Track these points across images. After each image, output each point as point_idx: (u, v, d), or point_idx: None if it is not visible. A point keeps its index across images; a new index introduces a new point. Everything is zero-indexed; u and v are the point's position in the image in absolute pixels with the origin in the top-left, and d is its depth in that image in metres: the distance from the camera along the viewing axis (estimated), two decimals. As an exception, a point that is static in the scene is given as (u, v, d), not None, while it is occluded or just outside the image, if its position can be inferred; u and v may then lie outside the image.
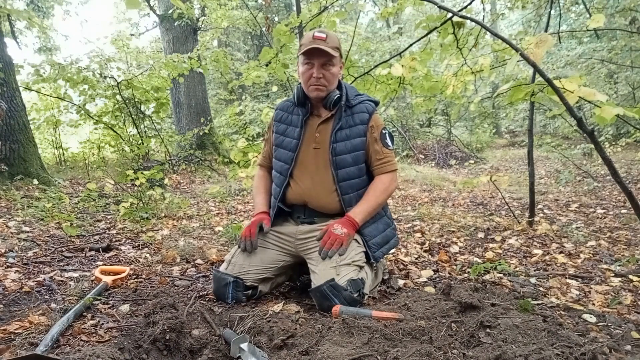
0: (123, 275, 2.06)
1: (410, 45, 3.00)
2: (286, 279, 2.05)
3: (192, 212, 3.88)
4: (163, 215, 3.64)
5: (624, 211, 3.80)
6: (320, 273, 1.75)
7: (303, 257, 1.90)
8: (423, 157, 9.93)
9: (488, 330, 1.35)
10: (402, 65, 2.67)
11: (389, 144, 1.89)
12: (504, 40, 2.22)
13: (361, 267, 1.81)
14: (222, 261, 2.02)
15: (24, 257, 2.36)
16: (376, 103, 1.98)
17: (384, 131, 1.88)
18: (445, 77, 3.08)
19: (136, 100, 6.16)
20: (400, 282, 2.04)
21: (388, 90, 3.03)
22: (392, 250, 2.00)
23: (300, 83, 1.90)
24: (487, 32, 2.57)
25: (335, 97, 1.83)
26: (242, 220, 3.55)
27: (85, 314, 1.63)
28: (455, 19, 2.44)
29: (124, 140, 6.28)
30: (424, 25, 2.61)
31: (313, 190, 1.87)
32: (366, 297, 1.80)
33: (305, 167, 1.88)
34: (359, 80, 2.93)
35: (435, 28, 2.53)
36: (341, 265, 1.73)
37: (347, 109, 1.86)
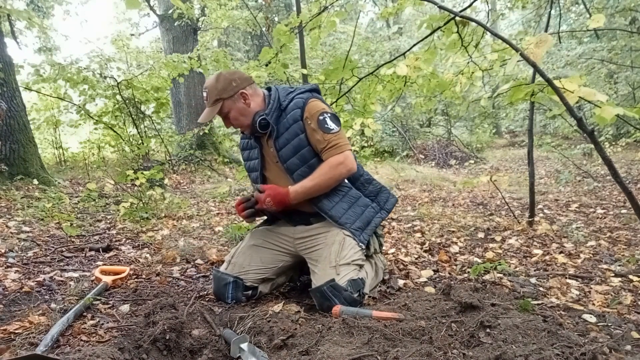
0: (123, 275, 2.06)
1: (414, 45, 2.99)
2: (287, 279, 2.05)
3: (192, 212, 3.88)
4: (163, 215, 3.64)
5: (624, 211, 3.79)
6: (320, 273, 1.75)
7: (303, 256, 1.90)
8: (423, 157, 9.93)
9: (488, 330, 1.35)
10: (407, 65, 2.67)
11: (331, 127, 1.76)
12: (504, 40, 2.22)
13: (361, 266, 1.81)
14: (222, 261, 2.02)
15: (24, 257, 2.36)
16: (312, 90, 1.89)
17: (321, 117, 1.76)
18: (452, 75, 3.08)
19: (136, 100, 6.15)
20: (400, 282, 2.04)
21: (393, 90, 3.03)
22: (380, 232, 1.96)
23: None
24: (487, 32, 2.57)
25: (258, 122, 1.79)
26: (242, 221, 3.55)
27: (85, 314, 1.63)
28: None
29: (124, 140, 6.28)
30: (427, 25, 2.60)
31: None
32: (366, 296, 1.79)
33: (278, 182, 1.87)
34: (363, 80, 2.93)
35: (439, 27, 2.53)
36: (341, 265, 1.72)
37: (282, 112, 1.82)
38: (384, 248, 2.63)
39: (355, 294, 1.69)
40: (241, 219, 2.00)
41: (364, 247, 1.83)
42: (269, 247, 1.93)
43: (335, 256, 1.74)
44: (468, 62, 2.84)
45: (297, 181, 1.79)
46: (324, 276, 1.72)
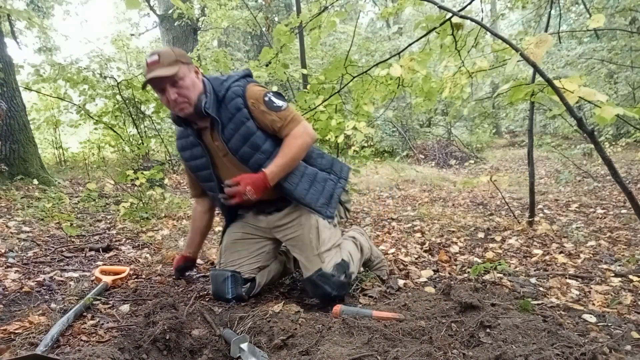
0: (123, 275, 2.06)
1: (409, 45, 2.99)
2: (281, 267, 2.06)
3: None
4: (163, 215, 3.64)
5: (624, 211, 3.80)
6: (307, 264, 1.80)
7: (282, 242, 1.93)
8: (423, 157, 9.93)
9: (488, 330, 1.35)
10: (401, 66, 2.66)
11: (280, 105, 1.74)
12: (504, 40, 2.22)
13: (339, 245, 1.87)
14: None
15: (24, 257, 2.36)
16: (246, 75, 1.84)
17: (266, 98, 1.73)
18: (444, 78, 3.07)
19: (136, 100, 6.15)
20: (400, 282, 2.04)
21: (387, 92, 3.02)
22: (345, 198, 1.98)
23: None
24: (487, 32, 2.57)
25: (203, 104, 1.70)
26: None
27: (85, 314, 1.62)
28: (454, 20, 2.43)
29: (124, 140, 6.27)
30: (423, 26, 2.60)
31: None
32: (354, 275, 1.88)
33: (231, 176, 1.78)
34: (357, 79, 2.92)
35: (434, 29, 2.52)
36: (323, 253, 1.78)
37: (221, 104, 1.75)
38: (383, 248, 2.64)
39: (342, 277, 1.76)
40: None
41: (334, 221, 1.87)
42: (251, 238, 1.94)
43: (315, 243, 1.78)
44: (460, 67, 2.83)
45: (254, 169, 1.74)
46: (311, 266, 1.78)
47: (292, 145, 1.73)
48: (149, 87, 1.86)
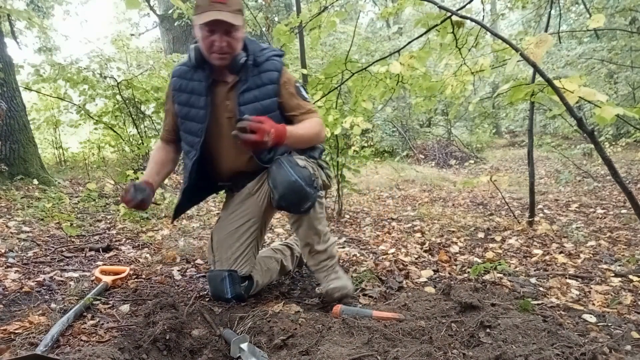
0: (123, 275, 2.06)
1: (409, 42, 2.99)
2: (278, 266, 2.03)
3: (192, 212, 3.88)
4: (163, 215, 3.64)
5: (624, 211, 3.80)
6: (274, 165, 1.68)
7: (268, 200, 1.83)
8: (423, 157, 9.93)
9: (488, 330, 1.35)
10: (401, 63, 2.66)
11: (306, 96, 1.80)
12: (504, 40, 2.22)
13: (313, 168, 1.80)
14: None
15: (24, 257, 2.36)
16: (282, 55, 1.83)
17: (297, 84, 1.78)
18: (445, 77, 3.07)
19: (136, 100, 6.15)
20: (401, 282, 2.04)
21: (386, 89, 3.02)
22: (325, 165, 1.94)
23: (196, 43, 1.71)
24: (487, 32, 2.57)
25: (241, 61, 1.68)
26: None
27: (85, 314, 1.62)
28: (455, 18, 2.43)
29: (124, 140, 6.27)
30: (423, 23, 2.60)
31: (239, 162, 1.80)
32: (321, 192, 1.75)
33: (224, 139, 1.73)
34: (356, 76, 2.92)
35: (435, 26, 2.52)
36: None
37: (254, 68, 1.71)
38: (383, 248, 2.65)
39: (311, 172, 1.64)
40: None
41: (315, 160, 1.81)
42: (238, 227, 1.88)
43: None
44: (461, 65, 2.83)
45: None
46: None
47: (313, 127, 1.74)
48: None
